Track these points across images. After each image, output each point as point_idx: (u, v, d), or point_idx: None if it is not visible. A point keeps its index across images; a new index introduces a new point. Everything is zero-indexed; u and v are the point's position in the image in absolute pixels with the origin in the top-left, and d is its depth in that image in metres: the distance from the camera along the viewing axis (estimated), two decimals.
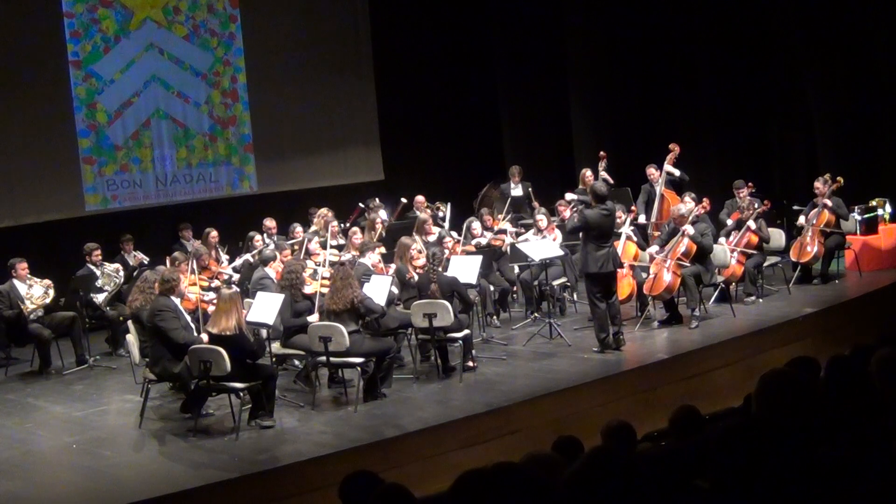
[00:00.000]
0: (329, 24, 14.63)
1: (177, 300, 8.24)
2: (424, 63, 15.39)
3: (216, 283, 10.00)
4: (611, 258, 9.26)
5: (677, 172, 11.91)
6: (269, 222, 11.89)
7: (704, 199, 10.63)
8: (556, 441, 4.97)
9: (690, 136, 13.57)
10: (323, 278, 9.33)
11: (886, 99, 12.90)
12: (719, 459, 2.73)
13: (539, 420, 8.00)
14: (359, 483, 3.70)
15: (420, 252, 9.98)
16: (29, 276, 10.33)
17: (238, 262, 11.07)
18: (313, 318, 8.55)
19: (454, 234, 11.48)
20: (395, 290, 9.46)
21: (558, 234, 10.98)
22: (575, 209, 10.99)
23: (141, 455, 7.68)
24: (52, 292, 10.37)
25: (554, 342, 9.84)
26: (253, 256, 10.87)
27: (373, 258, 9.59)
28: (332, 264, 9.83)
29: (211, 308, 8.51)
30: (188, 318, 8.30)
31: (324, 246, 10.58)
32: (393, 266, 9.71)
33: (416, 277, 9.34)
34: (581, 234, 9.48)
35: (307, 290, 8.93)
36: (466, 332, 8.99)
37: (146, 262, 11.13)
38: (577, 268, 10.13)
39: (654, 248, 10.31)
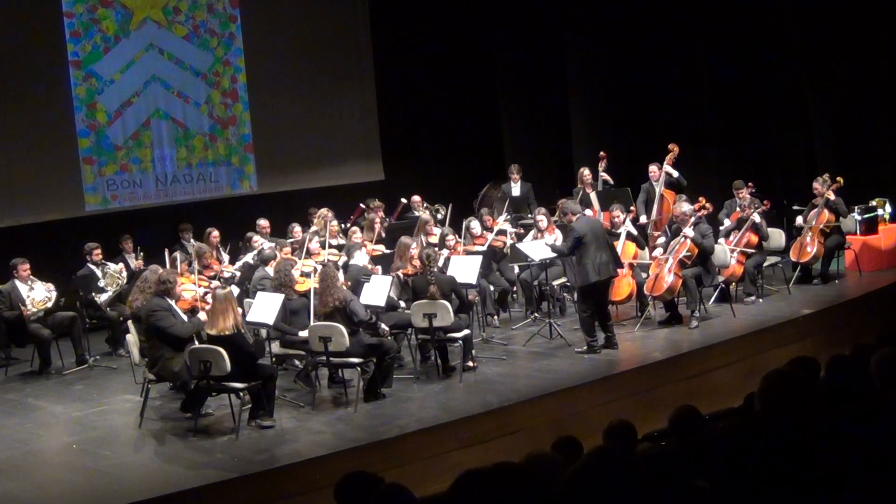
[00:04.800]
0: (329, 22, 14.63)
1: (171, 301, 8.25)
2: (425, 62, 15.39)
3: (216, 283, 10.00)
4: (610, 264, 9.26)
5: (675, 174, 11.88)
6: (263, 222, 11.85)
7: (701, 199, 10.60)
8: (556, 441, 4.97)
9: (690, 136, 13.56)
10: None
11: (886, 99, 12.90)
12: (719, 459, 2.73)
13: (539, 420, 8.00)
14: (355, 484, 3.71)
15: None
16: (31, 277, 10.32)
17: (238, 263, 11.06)
18: (304, 334, 8.54)
19: (455, 235, 11.46)
20: (395, 296, 9.46)
21: (558, 234, 10.97)
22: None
23: (141, 455, 7.68)
24: (53, 296, 10.33)
25: (554, 342, 9.84)
26: (252, 258, 10.87)
27: (363, 258, 9.60)
28: (322, 265, 9.84)
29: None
30: (184, 317, 8.30)
31: (323, 246, 10.59)
32: (379, 267, 9.70)
33: (410, 282, 9.34)
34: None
35: (301, 287, 8.94)
36: (466, 332, 8.98)
37: (144, 268, 11.11)
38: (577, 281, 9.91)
39: (659, 251, 10.29)
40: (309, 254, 10.47)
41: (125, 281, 10.80)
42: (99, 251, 10.82)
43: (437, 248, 9.96)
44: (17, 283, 10.26)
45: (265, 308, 8.55)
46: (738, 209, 11.22)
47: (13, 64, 12.05)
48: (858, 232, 11.95)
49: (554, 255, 10.13)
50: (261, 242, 11.10)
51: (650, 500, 2.76)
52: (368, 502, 3.24)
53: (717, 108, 14.03)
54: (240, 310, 8.16)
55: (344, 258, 10.42)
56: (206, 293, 9.08)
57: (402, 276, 9.52)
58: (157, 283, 8.40)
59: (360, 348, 8.33)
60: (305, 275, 9.52)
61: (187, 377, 7.94)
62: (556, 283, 10.81)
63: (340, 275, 8.93)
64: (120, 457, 7.62)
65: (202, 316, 8.02)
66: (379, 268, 9.75)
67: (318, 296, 8.52)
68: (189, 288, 9.17)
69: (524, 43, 15.34)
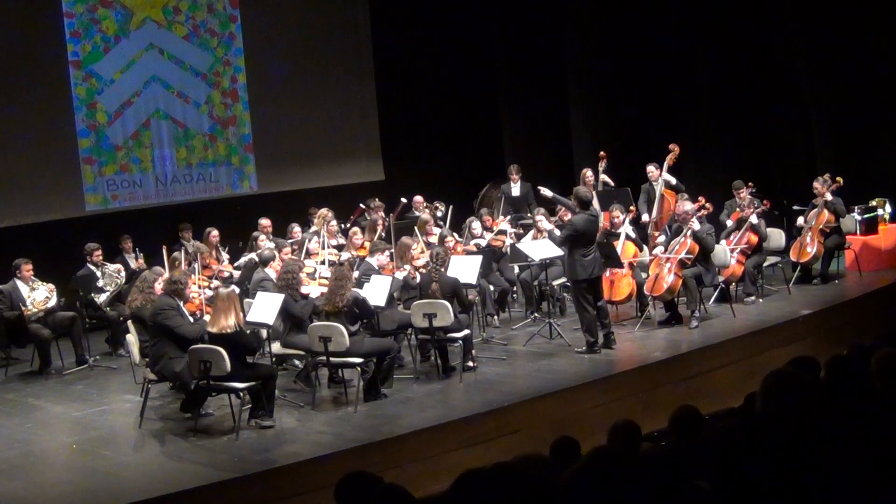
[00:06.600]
0: (329, 22, 14.63)
1: (180, 301, 8.25)
2: (425, 63, 15.39)
3: (216, 282, 10.00)
4: (597, 263, 9.31)
5: (674, 181, 11.91)
6: (265, 221, 11.85)
7: (701, 199, 10.61)
8: (554, 442, 4.97)
9: (690, 136, 13.58)
10: (322, 277, 9.33)
11: (886, 99, 12.90)
12: (719, 459, 2.73)
13: (539, 420, 8.01)
14: (355, 484, 3.70)
15: (421, 252, 9.99)
16: (32, 277, 10.33)
17: (242, 260, 11.07)
18: (315, 294, 8.69)
19: (455, 234, 11.47)
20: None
21: (558, 234, 10.96)
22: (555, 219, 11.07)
23: (141, 455, 7.69)
24: (54, 297, 10.34)
25: (554, 342, 9.84)
26: (257, 255, 10.87)
27: (381, 259, 9.58)
28: (331, 264, 9.84)
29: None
30: (190, 319, 8.30)
31: (323, 246, 10.59)
32: (407, 267, 9.65)
33: (419, 277, 9.36)
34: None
35: (305, 289, 8.94)
36: (466, 332, 8.99)
37: (145, 268, 11.12)
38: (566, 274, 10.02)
39: (659, 250, 10.30)
40: (308, 254, 10.47)
41: (123, 281, 10.81)
42: (99, 252, 10.83)
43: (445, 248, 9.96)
44: (19, 283, 10.26)
45: (265, 308, 8.55)
46: (738, 209, 11.22)
47: (13, 64, 12.04)
48: (858, 232, 11.95)
49: (554, 255, 10.14)
50: (267, 243, 11.10)
51: (650, 500, 2.77)
52: (368, 503, 3.24)
53: (717, 108, 14.03)
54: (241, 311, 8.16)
55: (345, 256, 10.42)
56: (210, 295, 9.10)
57: (417, 269, 9.53)
58: (168, 282, 8.40)
59: (361, 348, 8.33)
60: (309, 276, 9.53)
61: (188, 377, 7.94)
62: (556, 283, 10.81)
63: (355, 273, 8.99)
64: (120, 457, 7.62)
65: (207, 318, 8.02)
66: (408, 267, 9.65)
67: (329, 294, 8.51)
68: (196, 291, 9.16)
69: (524, 43, 15.33)
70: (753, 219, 10.87)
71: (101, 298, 10.69)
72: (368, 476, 3.72)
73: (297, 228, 11.65)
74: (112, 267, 10.87)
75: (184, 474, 7.07)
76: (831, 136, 13.18)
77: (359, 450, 7.23)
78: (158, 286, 8.67)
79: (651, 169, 12.02)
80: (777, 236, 11.57)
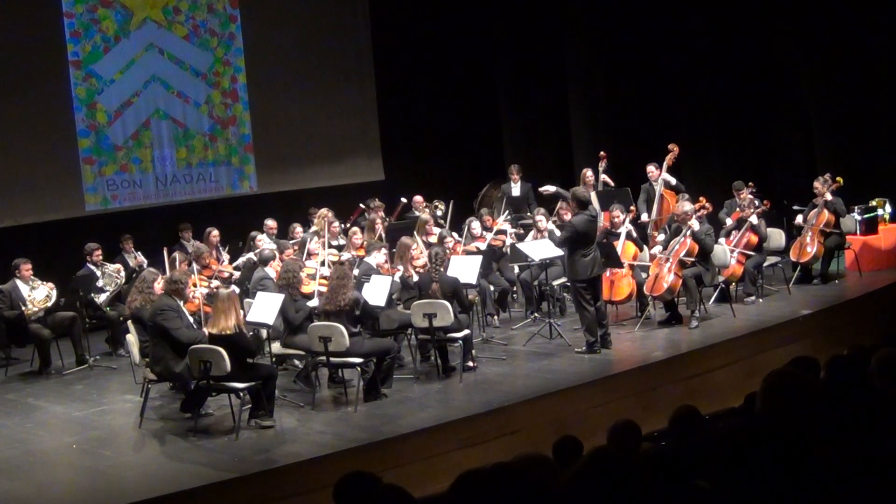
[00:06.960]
0: (329, 22, 14.63)
1: (180, 301, 8.24)
2: (425, 62, 15.39)
3: (216, 282, 10.00)
4: (597, 263, 9.32)
5: (674, 181, 11.92)
6: (270, 222, 11.88)
7: (701, 199, 10.62)
8: (557, 441, 4.97)
9: (691, 136, 13.58)
10: (322, 277, 9.33)
11: (886, 99, 12.90)
12: (719, 459, 2.73)
13: (539, 420, 8.01)
14: (354, 484, 3.71)
15: (421, 252, 9.98)
16: (32, 277, 10.33)
17: (241, 260, 11.08)
18: (313, 303, 8.67)
19: (455, 234, 11.47)
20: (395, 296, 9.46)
21: (558, 234, 10.95)
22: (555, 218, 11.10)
23: (141, 455, 7.69)
24: (54, 295, 10.34)
25: (554, 342, 9.85)
26: (256, 255, 10.88)
27: (378, 258, 9.58)
28: (332, 264, 9.84)
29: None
30: (190, 319, 8.30)
31: (324, 246, 10.59)
32: (402, 268, 9.66)
33: (416, 277, 9.36)
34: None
35: (306, 289, 8.95)
36: (466, 332, 8.98)
37: (145, 266, 11.12)
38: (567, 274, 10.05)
39: (657, 249, 10.31)
40: (309, 254, 10.47)
41: (123, 281, 10.81)
42: (99, 252, 10.83)
43: (444, 248, 9.96)
44: (19, 282, 10.26)
45: (265, 308, 8.55)
46: (738, 209, 11.23)
47: (13, 64, 12.03)
48: (858, 232, 11.95)
49: (554, 255, 10.15)
50: (265, 242, 11.10)
51: (651, 501, 2.76)
52: (367, 503, 3.24)
53: (718, 108, 14.03)
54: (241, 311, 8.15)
55: (345, 256, 10.43)
56: (208, 294, 9.09)
57: (415, 269, 9.54)
58: (168, 281, 8.39)
59: (361, 348, 8.33)
60: (310, 276, 9.53)
61: (188, 378, 7.94)
62: (556, 283, 10.81)
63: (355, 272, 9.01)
64: (120, 457, 7.63)
65: (206, 331, 8.00)
66: (400, 268, 9.66)
67: (330, 292, 8.51)
68: (195, 291, 9.16)
69: (524, 43, 15.33)
70: (753, 219, 10.89)
71: (101, 298, 10.69)
72: (368, 476, 3.72)
73: (298, 228, 11.66)
74: (112, 267, 10.87)
75: (184, 474, 7.07)
76: (831, 136, 13.19)
77: (359, 450, 7.23)
78: (158, 286, 8.66)
79: (651, 169, 12.02)
80: (777, 236, 11.57)
